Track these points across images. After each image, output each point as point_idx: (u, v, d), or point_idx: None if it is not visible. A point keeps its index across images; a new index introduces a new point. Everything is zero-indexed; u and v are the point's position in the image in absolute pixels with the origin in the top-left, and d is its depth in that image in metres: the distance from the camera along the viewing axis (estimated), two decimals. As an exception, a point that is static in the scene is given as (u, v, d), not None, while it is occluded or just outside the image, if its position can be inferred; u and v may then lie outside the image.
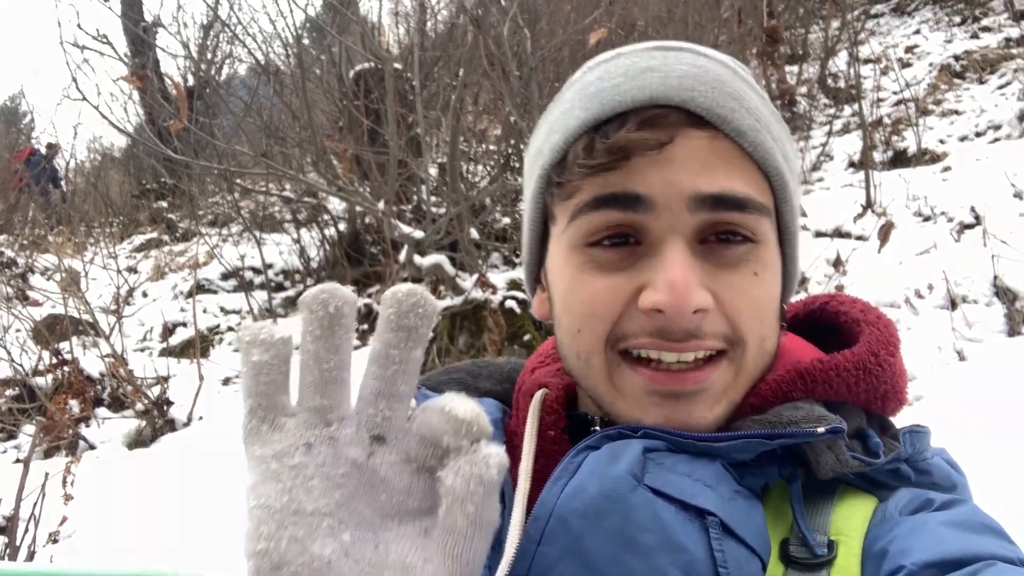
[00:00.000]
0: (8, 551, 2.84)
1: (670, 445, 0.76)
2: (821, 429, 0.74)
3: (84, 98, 3.86)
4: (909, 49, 9.40)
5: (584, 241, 0.82)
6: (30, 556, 2.91)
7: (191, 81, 10.51)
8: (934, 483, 0.80)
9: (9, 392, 5.39)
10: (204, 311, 7.39)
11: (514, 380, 1.05)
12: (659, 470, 0.73)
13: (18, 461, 4.72)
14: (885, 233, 4.21)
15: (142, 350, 6.88)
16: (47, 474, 3.07)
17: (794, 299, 0.98)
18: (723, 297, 0.79)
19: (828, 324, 0.95)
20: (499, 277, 5.21)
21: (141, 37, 11.26)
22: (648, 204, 0.78)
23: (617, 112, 0.81)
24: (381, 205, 4.70)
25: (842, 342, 0.88)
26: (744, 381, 0.83)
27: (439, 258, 4.95)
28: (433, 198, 6.69)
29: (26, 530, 2.87)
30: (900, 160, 7.22)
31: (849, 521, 0.74)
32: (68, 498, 3.54)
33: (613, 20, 5.76)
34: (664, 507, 0.69)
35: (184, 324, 7.24)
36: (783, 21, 7.05)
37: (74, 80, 3.77)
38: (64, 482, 3.64)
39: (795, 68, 9.17)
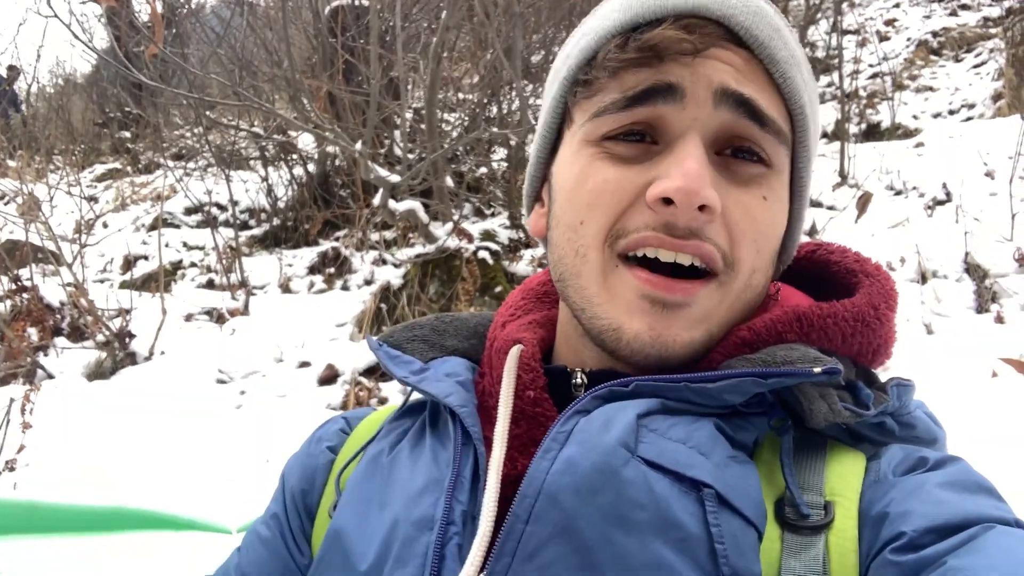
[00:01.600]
0: (-31, 477, 2.78)
1: (664, 404, 0.75)
2: (818, 369, 0.72)
3: (56, 16, 3.71)
4: (888, 23, 9.42)
5: (601, 136, 0.81)
6: (-8, 483, 2.86)
7: (160, 8, 10.20)
8: (917, 437, 0.80)
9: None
10: (167, 245, 7.24)
11: (482, 336, 1.02)
12: (653, 438, 0.71)
13: (-28, 387, 4.62)
14: (863, 204, 4.24)
15: (102, 281, 6.75)
16: (12, 400, 3.00)
17: None
18: (728, 209, 0.78)
19: (815, 273, 0.94)
20: (473, 228, 5.17)
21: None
22: (677, 92, 0.77)
23: (657, 17, 0.80)
24: (358, 146, 4.61)
25: (832, 292, 0.87)
26: (725, 312, 0.81)
27: (413, 204, 4.89)
28: (407, 144, 6.60)
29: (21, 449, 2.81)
30: (873, 133, 7.26)
31: (843, 480, 0.73)
32: (27, 426, 3.47)
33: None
34: (658, 480, 0.68)
35: (146, 257, 7.10)
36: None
37: (45, -3, 3.63)
38: (23, 410, 3.56)
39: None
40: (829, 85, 8.19)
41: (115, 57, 4.87)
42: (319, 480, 0.96)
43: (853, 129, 7.21)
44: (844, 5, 8.25)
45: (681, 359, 0.79)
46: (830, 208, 5.53)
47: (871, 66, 8.28)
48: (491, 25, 4.95)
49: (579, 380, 0.85)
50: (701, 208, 0.76)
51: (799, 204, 0.88)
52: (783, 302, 0.88)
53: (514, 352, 0.88)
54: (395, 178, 4.69)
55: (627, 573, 0.63)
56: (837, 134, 6.71)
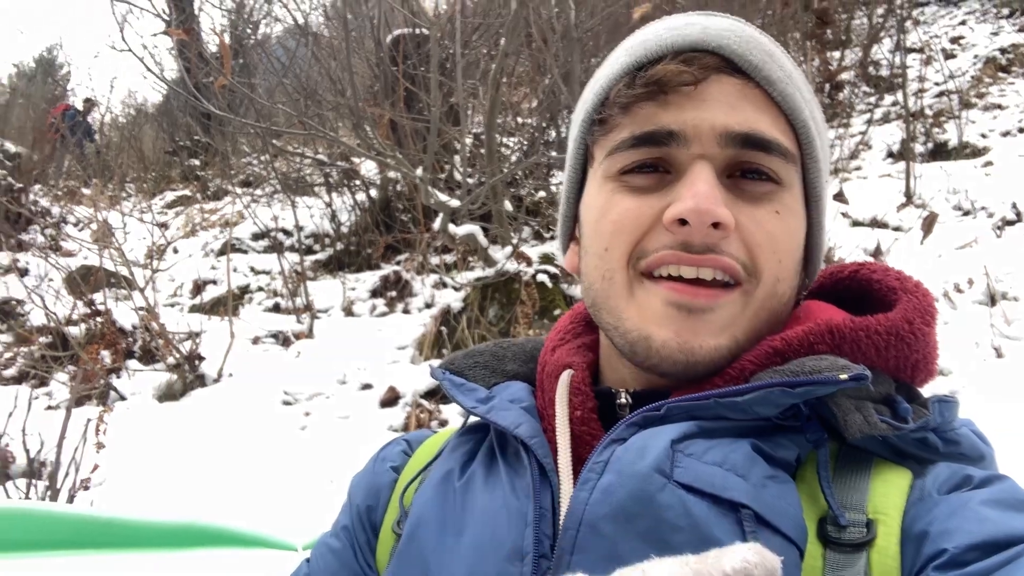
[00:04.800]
0: (49, 494, 2.89)
1: (699, 426, 0.76)
2: (844, 376, 0.73)
3: (129, 49, 3.87)
4: (954, 40, 9.24)
5: (618, 171, 0.87)
6: (70, 500, 2.97)
7: (228, 40, 10.51)
8: (962, 454, 0.80)
9: (42, 340, 5.46)
10: (235, 270, 7.43)
11: (538, 359, 1.05)
12: (689, 462, 0.72)
13: (49, 408, 4.79)
14: (928, 224, 4.16)
15: (172, 305, 6.94)
16: (88, 420, 3.12)
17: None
18: (743, 225, 0.82)
19: (859, 292, 0.94)
20: (532, 251, 5.20)
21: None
22: (680, 138, 0.83)
23: (659, 56, 0.86)
24: (419, 171, 4.69)
25: (875, 311, 0.87)
26: (751, 319, 0.84)
27: (473, 228, 4.94)
28: (467, 168, 6.67)
29: (66, 474, 2.91)
30: (940, 152, 7.12)
31: (887, 499, 0.73)
32: (100, 446, 3.58)
33: (658, -3, 5.70)
34: (695, 503, 0.69)
35: (214, 282, 7.29)
36: (831, 4, 6.95)
37: (120, 31, 3.78)
38: (97, 431, 3.68)
39: (836, 54, 9.04)
40: (894, 104, 8.07)
41: (185, 88, 5.05)
42: (383, 497, 1.00)
43: (919, 148, 7.08)
44: (907, 23, 8.12)
45: (707, 365, 0.82)
46: (895, 229, 5.43)
47: (937, 84, 8.13)
48: (549, 51, 5.01)
49: (624, 400, 0.87)
50: (715, 225, 0.80)
51: (816, 215, 0.91)
52: (816, 315, 0.89)
53: (564, 378, 0.91)
54: (455, 203, 4.76)
55: None
56: (903, 154, 6.60)
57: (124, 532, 1.69)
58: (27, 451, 2.89)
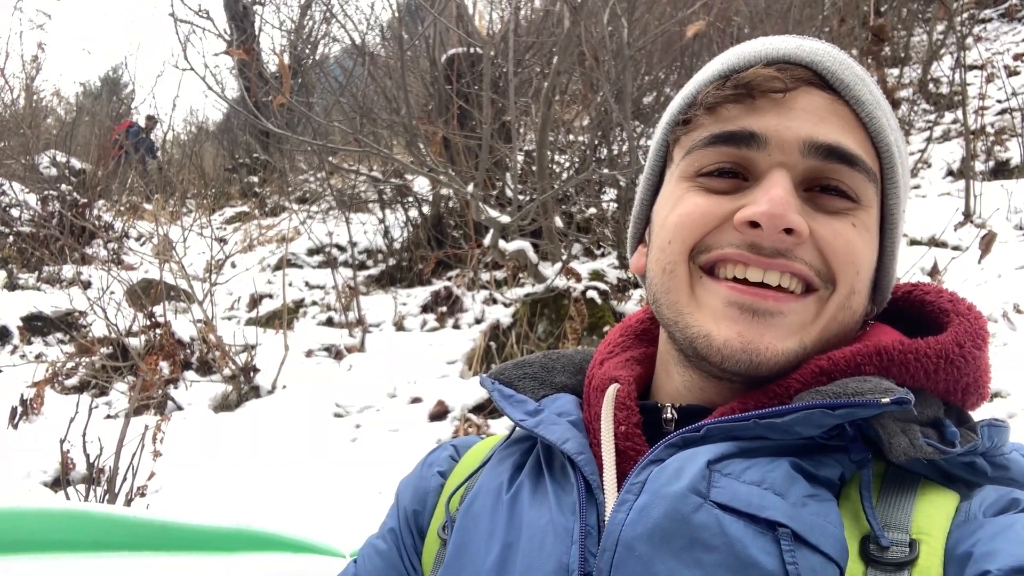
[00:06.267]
0: (107, 499, 2.97)
1: (739, 446, 0.77)
2: (886, 399, 0.73)
3: (192, 68, 3.99)
4: (1018, 56, 9.03)
5: (695, 172, 0.88)
6: (127, 505, 3.04)
7: (287, 59, 10.74)
8: (1011, 479, 0.79)
9: (103, 350, 5.61)
10: (290, 284, 7.57)
11: (586, 371, 1.06)
12: (727, 482, 0.73)
13: (109, 417, 4.92)
14: (987, 244, 4.07)
15: (229, 318, 7.08)
16: (146, 427, 3.20)
17: None
18: (819, 234, 0.82)
19: (912, 313, 0.94)
20: (581, 268, 5.21)
21: (240, 14, 11.57)
22: (761, 142, 0.83)
23: (750, 64, 0.87)
24: (470, 188, 4.74)
25: (927, 332, 0.87)
26: (821, 328, 0.83)
27: (523, 244, 4.98)
28: (518, 185, 6.72)
29: (124, 479, 2.99)
30: (1002, 171, 6.96)
31: (931, 520, 0.73)
32: (157, 454, 3.67)
33: (711, 13, 5.70)
34: (732, 522, 0.70)
35: (270, 296, 7.42)
36: (888, 21, 6.86)
37: (184, 51, 3.90)
38: (154, 439, 3.77)
39: (895, 71, 8.91)
40: (954, 122, 7.92)
41: (245, 106, 5.19)
42: (430, 502, 1.03)
43: (979, 167, 6.93)
44: (968, 40, 7.98)
45: (771, 368, 0.82)
46: (954, 248, 5.32)
47: (999, 102, 7.95)
48: (601, 69, 5.03)
49: (669, 415, 0.88)
50: (788, 232, 0.80)
51: (891, 241, 0.90)
52: (869, 336, 0.88)
53: (610, 393, 0.92)
54: (505, 219, 4.80)
55: None
56: (962, 172, 6.47)
57: (177, 535, 1.73)
58: (87, 456, 2.97)
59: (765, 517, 0.70)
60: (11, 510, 1.77)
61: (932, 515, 0.73)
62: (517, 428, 1.00)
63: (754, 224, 0.81)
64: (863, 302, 0.87)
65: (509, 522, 0.86)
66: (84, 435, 3.03)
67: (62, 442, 3.22)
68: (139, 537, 1.74)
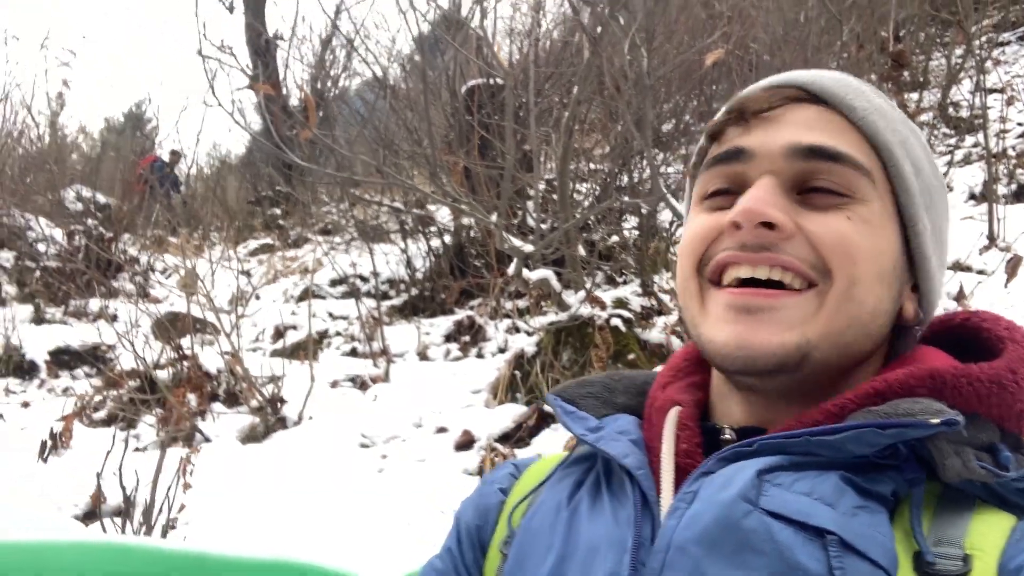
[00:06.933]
0: (144, 532, 2.99)
1: (789, 460, 0.78)
2: (935, 420, 0.74)
3: (220, 104, 4.07)
4: (1038, 78, 9.02)
5: (701, 196, 0.94)
6: (163, 537, 3.07)
7: (309, 92, 10.88)
8: None
9: (131, 383, 5.67)
10: (313, 315, 7.62)
11: (647, 393, 1.08)
12: (776, 491, 0.75)
13: (137, 450, 4.95)
14: (1013, 268, 4.06)
15: (254, 350, 7.14)
16: (181, 458, 3.23)
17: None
18: (808, 229, 0.85)
19: (969, 341, 0.95)
20: (605, 295, 5.22)
21: (263, 48, 11.75)
22: (749, 155, 0.88)
23: (751, 93, 0.94)
24: (493, 217, 4.78)
25: (983, 359, 0.88)
26: (826, 321, 0.84)
27: (546, 273, 5.00)
28: (541, 215, 6.76)
29: (159, 512, 3.01)
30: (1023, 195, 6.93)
31: (985, 537, 0.74)
32: (187, 486, 3.69)
33: (730, 42, 5.74)
34: (781, 529, 0.72)
35: (294, 327, 7.47)
36: (907, 46, 6.89)
37: (211, 87, 3.98)
38: (184, 472, 3.79)
39: (914, 96, 8.91)
40: (975, 146, 7.90)
41: (270, 139, 5.28)
42: (491, 518, 1.05)
43: (1002, 190, 6.91)
44: (987, 63, 7.99)
45: (768, 360, 0.84)
46: (979, 272, 5.30)
47: (1020, 124, 7.94)
48: (621, 98, 5.07)
49: (728, 435, 0.90)
50: (768, 226, 0.84)
51: (918, 246, 0.91)
52: (924, 360, 0.89)
53: (672, 414, 0.95)
54: (528, 247, 4.83)
55: None
56: (985, 196, 6.45)
57: (216, 567, 1.75)
58: (123, 488, 3.00)
59: (814, 524, 0.72)
60: (56, 543, 1.79)
61: (986, 533, 0.74)
62: (578, 448, 1.03)
63: (736, 225, 0.85)
64: (874, 295, 0.87)
65: (567, 536, 0.89)
66: (120, 469, 3.07)
67: (99, 476, 3.26)
68: (179, 570, 1.76)
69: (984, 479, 0.76)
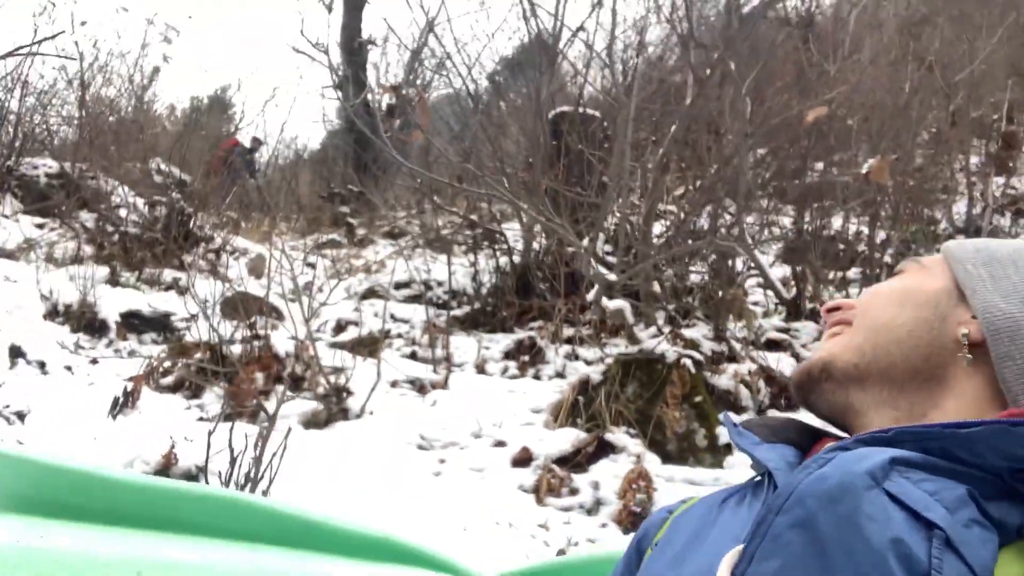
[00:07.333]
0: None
1: (924, 458, 0.82)
2: None
3: (323, 95, 4.16)
4: None
5: None
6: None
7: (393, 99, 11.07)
8: None
9: (199, 356, 5.78)
10: (375, 315, 7.72)
11: (815, 434, 1.15)
12: (903, 481, 0.79)
13: (202, 419, 5.05)
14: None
15: (314, 341, 7.23)
16: (289, 429, 3.31)
17: None
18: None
19: None
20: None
21: (356, 50, 11.99)
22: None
23: None
24: (585, 242, 4.84)
25: None
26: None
27: (623, 304, 5.03)
28: (612, 247, 6.79)
29: (260, 477, 3.09)
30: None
31: None
32: (258, 460, 3.76)
33: (833, 104, 5.75)
34: (895, 510, 0.76)
35: (355, 323, 7.56)
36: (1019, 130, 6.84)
37: (335, 84, 4.09)
38: (256, 446, 3.87)
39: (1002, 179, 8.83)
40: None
41: (360, 136, 5.39)
42: (654, 527, 1.13)
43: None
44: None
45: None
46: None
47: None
48: (719, 143, 5.11)
49: None
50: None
51: (986, 325, 0.98)
52: None
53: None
54: (613, 277, 4.86)
55: (851, 562, 0.73)
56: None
57: (324, 534, 1.78)
58: (231, 450, 3.08)
59: (927, 516, 0.75)
60: (171, 488, 1.83)
61: None
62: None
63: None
64: (892, 323, 1.04)
65: (712, 525, 0.97)
66: (231, 438, 3.13)
67: (172, 437, 3.34)
68: (288, 532, 1.79)
69: None
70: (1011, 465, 0.80)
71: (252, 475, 2.95)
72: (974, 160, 7.90)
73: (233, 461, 3.00)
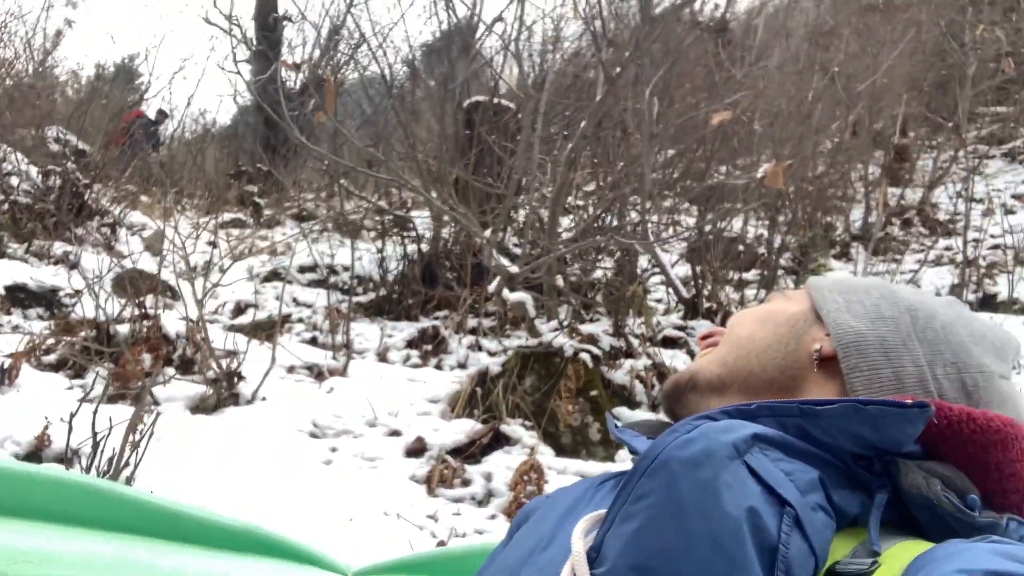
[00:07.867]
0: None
1: (783, 437, 0.85)
2: (909, 400, 0.82)
3: (237, 71, 4.03)
4: (1016, 197, 9.34)
5: None
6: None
7: (305, 75, 10.83)
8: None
9: (85, 333, 5.54)
10: (277, 298, 7.55)
11: None
12: (763, 458, 0.82)
13: (84, 400, 4.84)
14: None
15: (211, 322, 7.03)
16: (158, 414, 3.18)
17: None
18: None
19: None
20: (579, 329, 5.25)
21: (271, 26, 11.70)
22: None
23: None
24: (487, 233, 4.80)
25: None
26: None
27: (525, 296, 5.02)
28: (518, 239, 6.80)
29: (124, 463, 2.96)
30: (988, 303, 7.14)
31: (906, 550, 0.79)
32: (135, 445, 3.63)
33: (738, 109, 5.85)
34: (753, 482, 0.78)
35: (255, 306, 7.39)
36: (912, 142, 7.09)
37: (233, 56, 3.94)
38: (134, 430, 3.72)
39: (896, 190, 9.17)
40: (947, 249, 8.16)
41: (278, 112, 5.24)
42: (534, 508, 1.19)
43: (969, 296, 7.12)
44: (973, 175, 8.25)
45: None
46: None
47: (992, 236, 8.20)
48: (627, 140, 5.14)
49: None
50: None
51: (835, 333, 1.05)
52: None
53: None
54: (514, 268, 4.85)
55: (707, 526, 0.74)
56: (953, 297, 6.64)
57: (186, 525, 1.71)
58: (95, 435, 2.94)
59: (780, 493, 0.78)
60: (26, 472, 1.73)
61: (910, 548, 0.79)
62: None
63: None
64: (756, 337, 1.11)
65: (585, 500, 1.01)
66: (94, 421, 2.99)
67: (47, 418, 3.18)
68: (149, 522, 1.71)
69: (944, 505, 0.81)
70: (856, 449, 0.84)
71: (116, 462, 2.81)
72: (872, 169, 8.19)
73: (96, 446, 2.86)
